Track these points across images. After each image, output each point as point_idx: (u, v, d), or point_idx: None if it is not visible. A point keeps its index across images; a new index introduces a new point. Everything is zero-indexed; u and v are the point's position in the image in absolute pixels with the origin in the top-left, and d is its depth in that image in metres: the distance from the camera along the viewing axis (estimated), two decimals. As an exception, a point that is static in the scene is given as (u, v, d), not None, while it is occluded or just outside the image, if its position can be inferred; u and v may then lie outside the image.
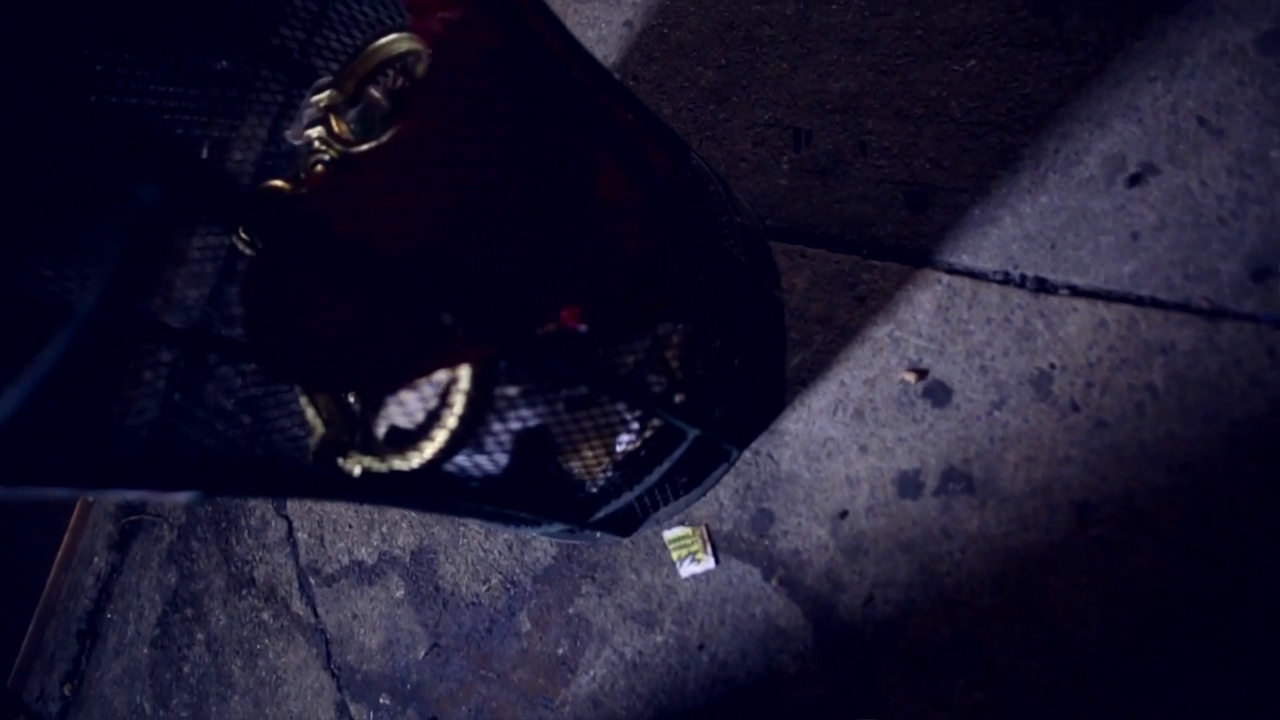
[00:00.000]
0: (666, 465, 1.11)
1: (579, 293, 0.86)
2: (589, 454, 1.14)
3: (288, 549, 1.60)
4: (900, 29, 1.26)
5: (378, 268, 0.61)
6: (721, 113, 1.37)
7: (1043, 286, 1.09)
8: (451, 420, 0.90)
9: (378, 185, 0.65)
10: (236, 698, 1.56)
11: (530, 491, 1.07)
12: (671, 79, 1.43)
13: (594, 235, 0.87)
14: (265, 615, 1.58)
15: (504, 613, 1.33)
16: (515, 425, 0.99)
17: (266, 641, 1.57)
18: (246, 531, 1.67)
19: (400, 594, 1.44)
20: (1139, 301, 1.03)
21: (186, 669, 1.65)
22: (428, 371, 0.85)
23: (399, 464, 0.94)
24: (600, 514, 1.14)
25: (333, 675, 1.47)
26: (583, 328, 0.88)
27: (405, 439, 0.96)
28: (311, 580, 1.55)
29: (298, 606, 1.55)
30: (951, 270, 1.14)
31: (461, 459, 0.97)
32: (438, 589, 1.40)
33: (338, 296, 0.67)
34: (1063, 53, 1.14)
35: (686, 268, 1.04)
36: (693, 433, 1.09)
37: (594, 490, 1.14)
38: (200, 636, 1.65)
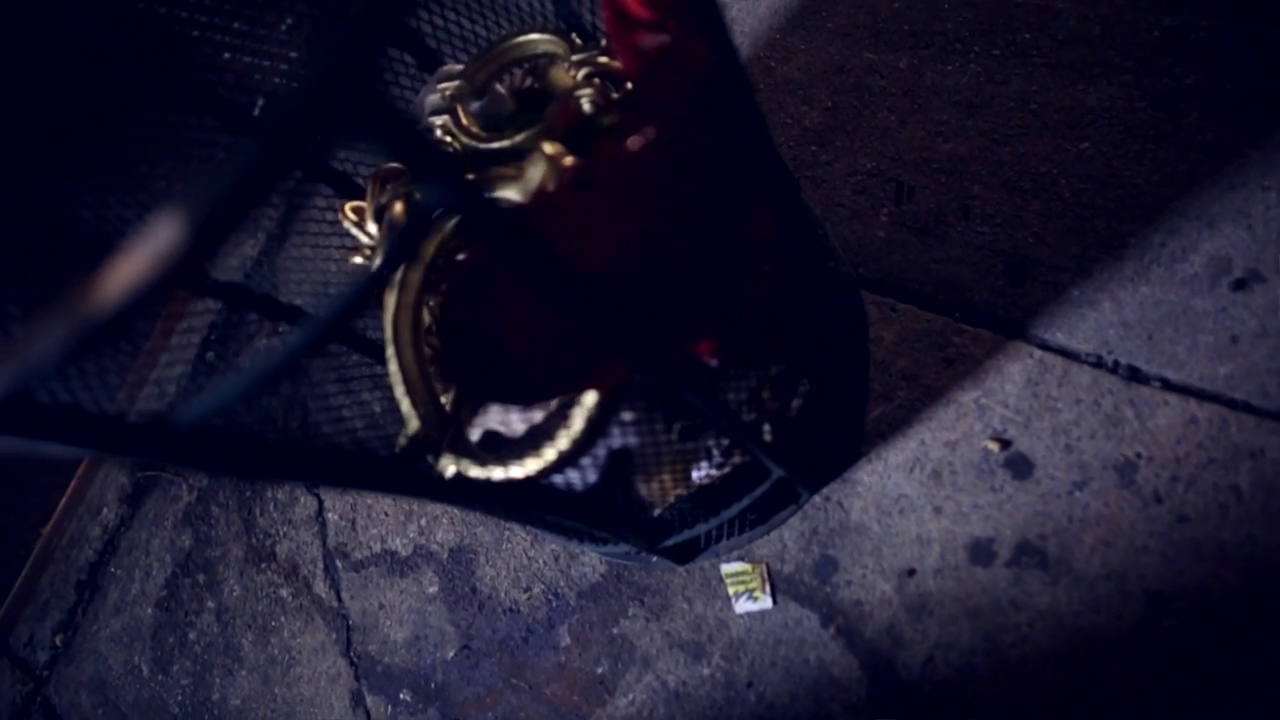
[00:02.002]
0: (746, 501, 1.11)
1: (717, 328, 0.85)
2: (666, 479, 1.13)
3: (315, 528, 1.57)
4: (1015, 100, 1.27)
5: (584, 288, 0.61)
6: (823, 155, 1.38)
7: (1135, 376, 1.10)
8: (566, 439, 0.89)
9: (583, 205, 0.64)
10: (244, 672, 1.53)
11: (609, 511, 1.06)
12: (774, 114, 1.44)
13: (739, 272, 0.87)
14: (284, 592, 1.55)
15: (543, 624, 1.32)
16: (614, 446, 0.98)
17: (282, 619, 1.54)
18: (272, 504, 1.64)
19: (433, 590, 1.42)
20: (1232, 404, 1.05)
21: (192, 636, 1.61)
22: (576, 390, 0.84)
23: (498, 473, 0.93)
24: (670, 541, 1.14)
25: (351, 663, 1.44)
26: (714, 362, 0.88)
27: (509, 449, 0.95)
28: (338, 563, 1.52)
29: (320, 588, 1.52)
30: (1044, 346, 1.16)
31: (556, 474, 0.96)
32: (474, 590, 1.39)
33: (528, 311, 0.66)
34: (1178, 148, 1.16)
35: (798, 310, 1.04)
36: (777, 473, 1.09)
37: (664, 515, 1.14)
38: (210, 605, 1.62)
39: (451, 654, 1.37)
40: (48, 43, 0.89)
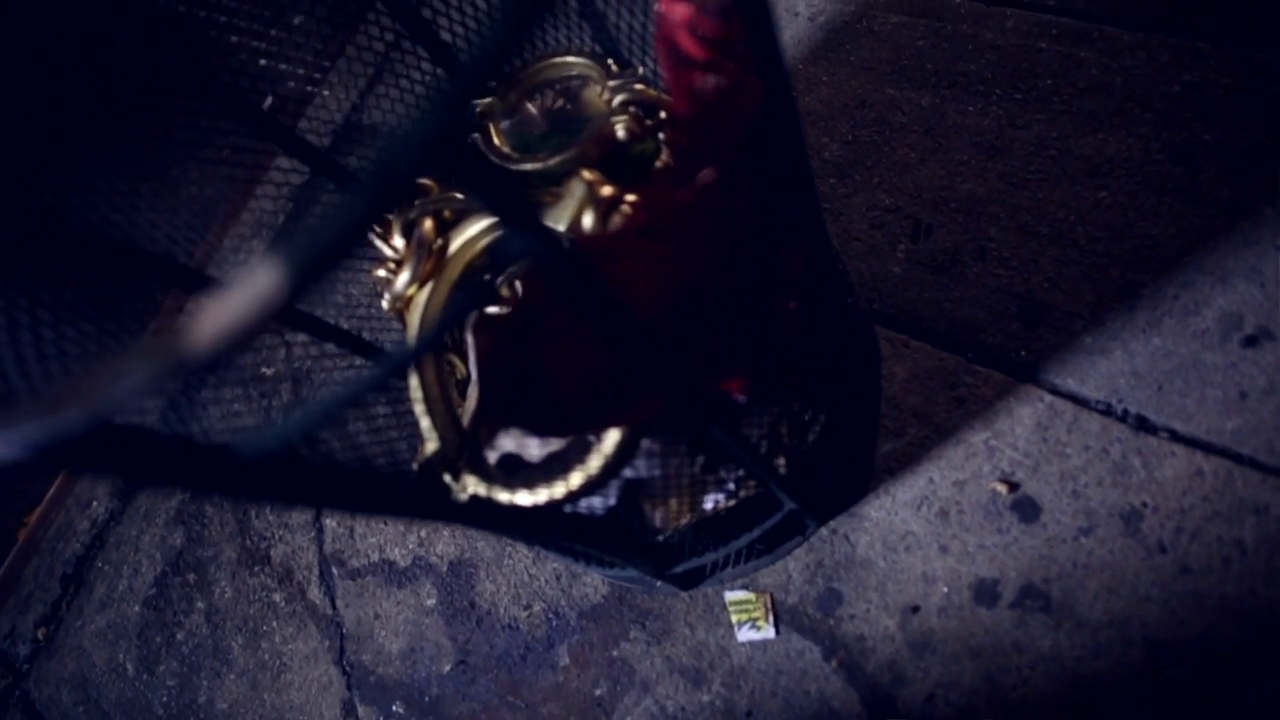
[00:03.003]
0: (756, 533, 1.12)
1: (747, 365, 0.86)
2: (677, 505, 1.14)
3: (312, 533, 1.56)
4: (1035, 145, 1.29)
5: (640, 331, 0.61)
6: (841, 188, 1.39)
7: (1144, 425, 1.12)
8: (589, 469, 0.89)
9: (637, 248, 0.65)
10: (232, 676, 1.52)
11: (621, 537, 1.06)
12: (794, 144, 1.45)
13: (770, 309, 0.87)
14: (277, 597, 1.54)
15: (542, 642, 1.31)
16: (632, 476, 0.98)
17: (274, 624, 1.52)
18: (268, 507, 1.62)
19: (431, 603, 1.41)
20: (1238, 459, 1.07)
21: (180, 636, 1.59)
22: (611, 425, 0.84)
23: (520, 496, 0.92)
24: (679, 568, 1.14)
25: (344, 672, 1.43)
26: (742, 398, 0.88)
27: (528, 473, 0.94)
28: (334, 570, 1.51)
29: (314, 594, 1.51)
30: (1055, 391, 1.17)
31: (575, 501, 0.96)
32: (473, 605, 1.38)
33: (577, 349, 0.66)
34: (1194, 203, 1.18)
35: (818, 344, 1.05)
36: (789, 506, 1.10)
37: (673, 541, 1.14)
38: (200, 606, 1.60)
39: (447, 668, 1.36)
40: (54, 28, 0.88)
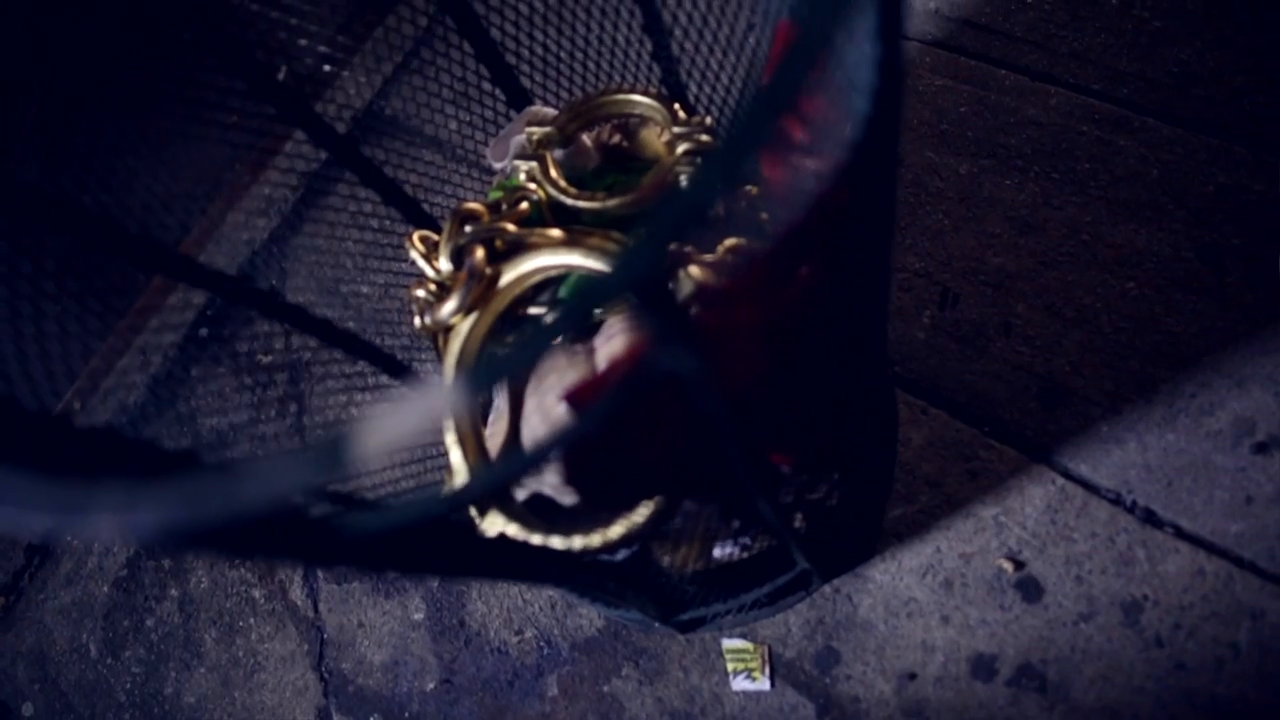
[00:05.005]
0: (767, 588, 1.12)
1: (797, 436, 0.86)
2: (688, 553, 1.13)
3: (299, 531, 1.53)
4: (1069, 227, 1.31)
5: (731, 408, 0.61)
6: (873, 245, 1.40)
7: (1151, 519, 1.15)
8: (639, 519, 0.88)
9: (728, 325, 0.64)
10: (203, 670, 1.48)
11: (635, 584, 1.06)
12: (829, 195, 1.45)
13: (819, 377, 0.87)
14: (256, 593, 1.51)
15: (531, 670, 1.30)
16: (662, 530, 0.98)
17: (251, 621, 1.49)
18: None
19: (419, 617, 1.39)
20: (1239, 562, 1.10)
21: (150, 623, 1.55)
22: (671, 494, 0.83)
23: (556, 541, 0.91)
24: (685, 616, 1.14)
25: (321, 678, 1.41)
26: (787, 469, 0.88)
27: (560, 518, 0.93)
28: (319, 573, 1.48)
29: (296, 595, 1.48)
30: (1067, 475, 1.19)
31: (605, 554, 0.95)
32: (462, 624, 1.36)
33: (663, 424, 0.65)
34: (1218, 305, 1.21)
35: (852, 409, 1.06)
36: (803, 565, 1.11)
37: (681, 588, 1.14)
38: (174, 593, 1.56)
39: (431, 686, 1.34)
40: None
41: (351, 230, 1.66)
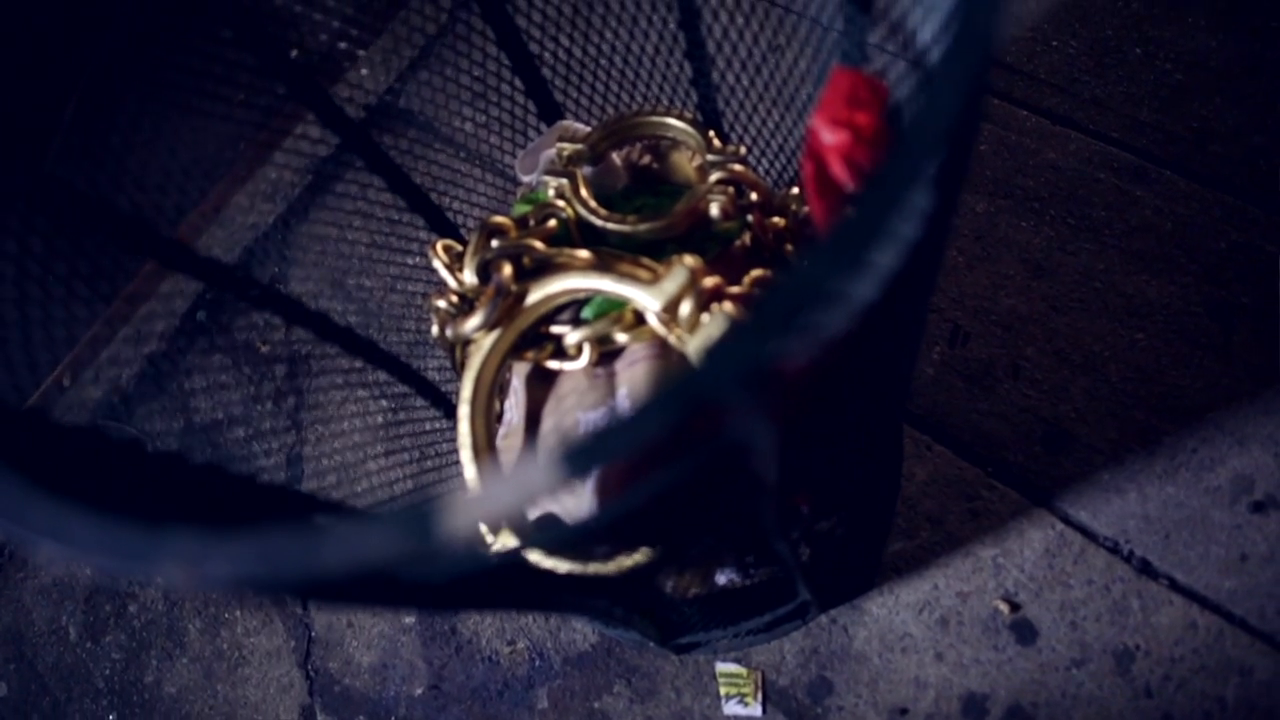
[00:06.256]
0: (768, 617, 1.12)
1: (818, 478, 0.86)
2: (689, 577, 1.14)
3: (291, 525, 1.51)
4: (1082, 274, 1.32)
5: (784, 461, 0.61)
6: (887, 278, 1.40)
7: (1147, 569, 1.16)
8: (645, 555, 0.88)
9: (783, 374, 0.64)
10: (185, 660, 1.46)
11: (638, 607, 1.06)
12: (846, 223, 1.45)
13: (849, 419, 0.88)
14: (244, 585, 1.49)
15: (522, 681, 1.30)
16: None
17: (238, 614, 1.47)
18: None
19: (410, 621, 1.38)
20: (1230, 618, 1.12)
21: (133, 609, 1.53)
22: (695, 531, 0.83)
23: (566, 565, 0.91)
24: (684, 639, 1.14)
25: (307, 676, 1.40)
26: (805, 509, 0.89)
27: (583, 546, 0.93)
28: (310, 569, 1.47)
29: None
30: (1067, 521, 1.21)
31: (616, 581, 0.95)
32: (454, 631, 1.36)
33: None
34: (1224, 362, 1.23)
35: (871, 448, 1.06)
36: (805, 596, 1.11)
37: (682, 611, 1.14)
38: (159, 580, 1.54)
39: (419, 691, 1.34)
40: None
41: (358, 222, 1.65)
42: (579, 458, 0.34)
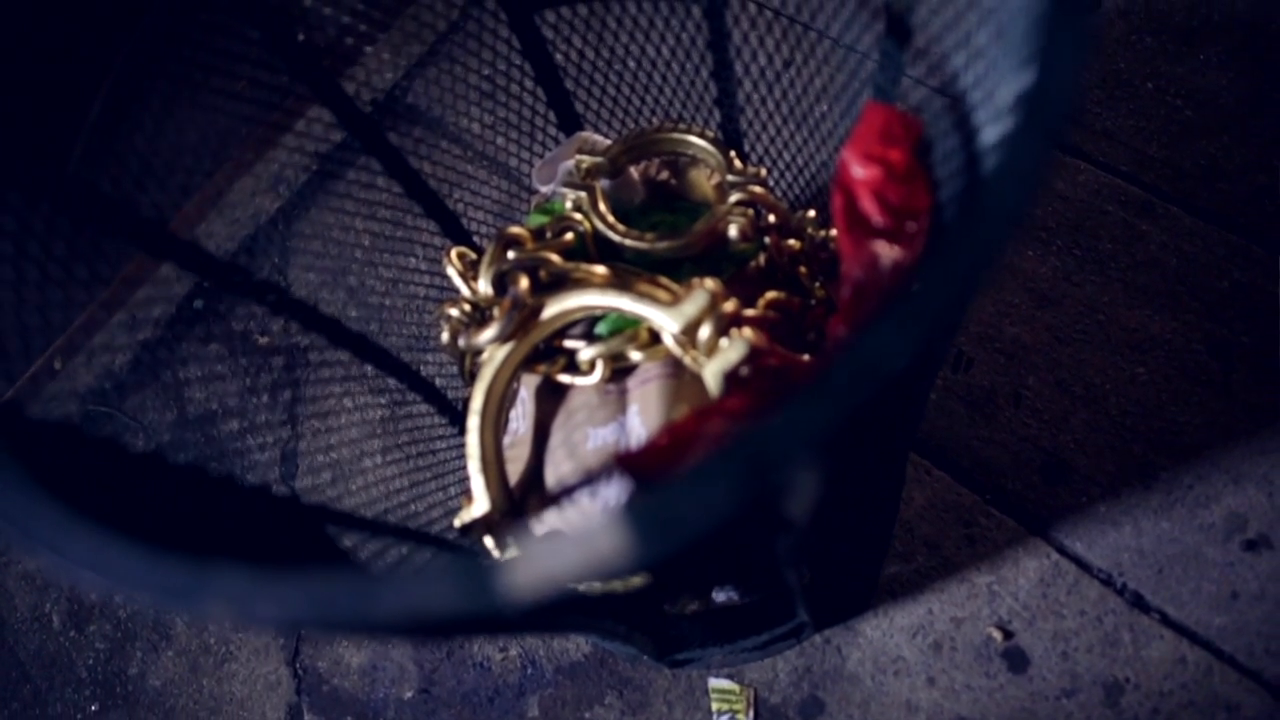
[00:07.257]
0: (765, 637, 1.13)
1: (832, 513, 0.86)
2: (688, 595, 1.14)
3: (283, 521, 1.50)
4: (1086, 306, 1.33)
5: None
6: (893, 300, 1.41)
7: (1139, 603, 1.18)
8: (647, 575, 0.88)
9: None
10: (170, 653, 1.45)
11: (637, 623, 1.06)
12: (854, 243, 1.46)
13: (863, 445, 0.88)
14: (234, 580, 1.48)
15: (513, 689, 1.30)
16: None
17: (226, 608, 1.46)
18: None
19: (402, 623, 1.37)
20: (1219, 654, 1.13)
21: (118, 598, 1.51)
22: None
23: (587, 585, 0.91)
24: (680, 655, 1.14)
25: (295, 674, 1.39)
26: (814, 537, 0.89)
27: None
28: (302, 566, 1.46)
29: (276, 586, 1.46)
30: (1062, 551, 1.22)
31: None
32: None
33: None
34: (1223, 400, 1.25)
35: (881, 478, 1.07)
36: (803, 617, 1.12)
37: (685, 631, 1.14)
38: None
39: (409, 694, 1.33)
40: None
41: (360, 217, 1.63)
42: (651, 528, 0.34)
